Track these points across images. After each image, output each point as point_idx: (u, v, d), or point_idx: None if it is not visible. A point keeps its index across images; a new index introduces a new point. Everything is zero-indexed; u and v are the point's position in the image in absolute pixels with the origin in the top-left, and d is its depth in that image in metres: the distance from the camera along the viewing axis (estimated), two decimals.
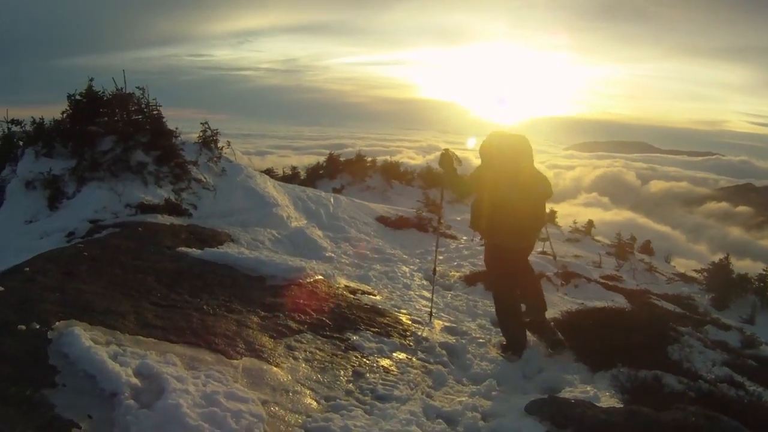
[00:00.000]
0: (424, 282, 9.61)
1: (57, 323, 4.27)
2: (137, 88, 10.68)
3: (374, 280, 8.77)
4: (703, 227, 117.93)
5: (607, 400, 5.12)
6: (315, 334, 5.33)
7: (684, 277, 18.17)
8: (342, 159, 26.08)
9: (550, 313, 7.38)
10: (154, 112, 10.68)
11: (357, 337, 5.47)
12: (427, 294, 8.47)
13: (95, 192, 8.78)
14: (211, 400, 3.79)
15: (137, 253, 6.54)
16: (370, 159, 25.98)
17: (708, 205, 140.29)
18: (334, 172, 25.19)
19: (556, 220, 25.30)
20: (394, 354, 5.52)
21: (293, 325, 5.39)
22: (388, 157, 27.63)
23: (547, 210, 24.06)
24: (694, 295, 14.65)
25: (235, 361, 4.49)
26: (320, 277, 6.93)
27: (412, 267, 10.54)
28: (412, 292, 8.52)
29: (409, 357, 5.56)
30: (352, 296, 6.88)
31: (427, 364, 5.55)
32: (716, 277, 15.08)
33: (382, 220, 14.06)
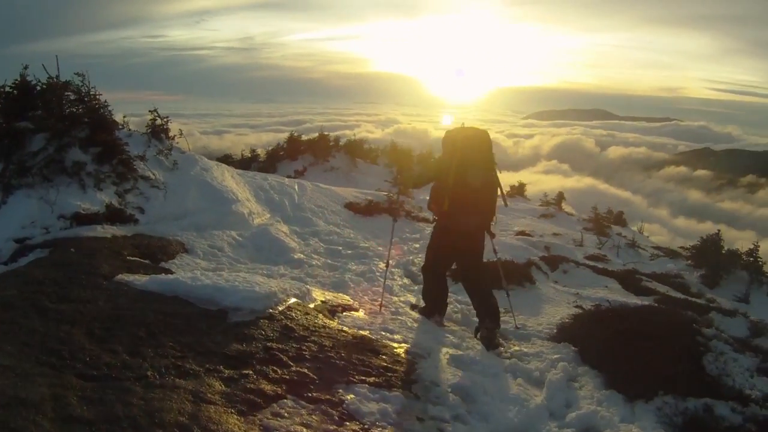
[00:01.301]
0: (406, 281, 8.69)
1: None
2: (75, 74, 9.26)
3: (352, 285, 7.70)
4: (662, 191, 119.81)
5: None
6: (297, 399, 3.85)
7: (668, 252, 17.54)
8: (303, 138, 24.92)
9: (557, 315, 7.72)
10: (95, 102, 9.23)
11: (351, 396, 3.93)
12: (412, 299, 7.63)
13: (23, 203, 7.34)
14: None
15: (65, 290, 5.09)
16: (333, 137, 24.82)
17: (667, 170, 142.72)
18: (296, 153, 24.14)
19: (525, 192, 24.63)
20: (402, 416, 4.05)
21: (267, 387, 3.88)
22: (351, 135, 26.59)
23: (516, 183, 23.56)
24: (683, 273, 13.92)
25: None
26: (294, 300, 5.63)
27: (390, 261, 9.60)
28: (396, 299, 7.48)
29: (421, 417, 4.10)
30: (334, 325, 5.39)
31: (443, 424, 4.12)
32: (705, 253, 14.35)
33: (351, 206, 13.08)
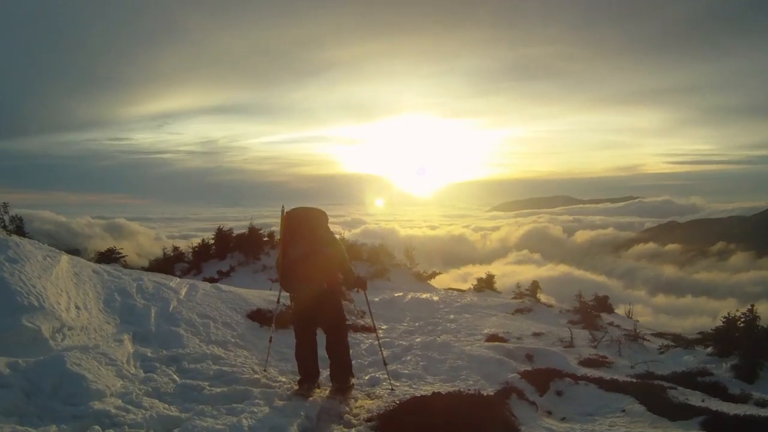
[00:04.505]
0: None
1: None
2: None
3: None
4: (636, 270, 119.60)
5: None
6: None
7: (677, 339, 13.99)
8: (234, 234, 21.41)
9: None
10: None
11: None
12: None
13: None
14: None
15: None
16: (266, 233, 21.32)
17: (636, 248, 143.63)
18: (224, 251, 20.59)
19: (495, 285, 21.35)
20: None
21: None
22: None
23: (483, 275, 20.17)
24: (708, 368, 10.37)
25: None
26: None
27: (284, 404, 6.15)
28: None
29: None
30: None
31: None
32: (732, 338, 10.83)
33: (256, 316, 9.78)
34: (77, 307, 7.32)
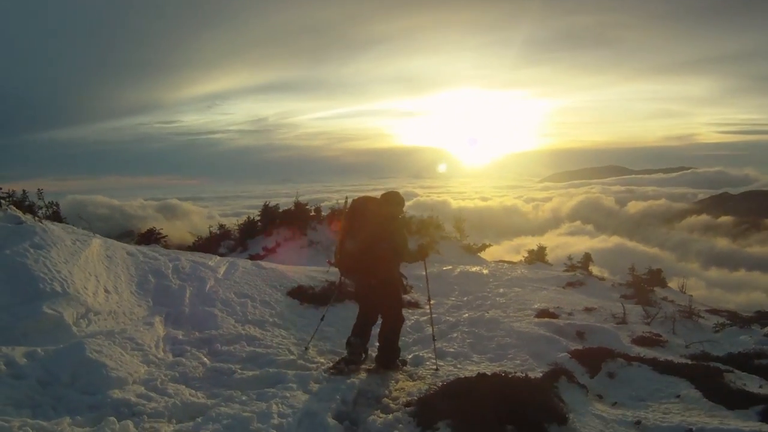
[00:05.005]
0: None
1: None
2: None
3: None
4: (688, 242, 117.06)
5: None
6: None
7: (732, 317, 13.36)
8: (280, 210, 21.15)
9: None
10: None
11: None
12: None
13: None
14: None
15: None
16: (313, 208, 21.03)
17: (689, 220, 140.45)
18: (271, 228, 20.33)
19: (546, 257, 20.73)
20: None
21: None
22: (335, 203, 22.77)
23: (535, 247, 19.70)
24: (766, 349, 9.81)
25: None
26: None
27: (319, 388, 5.86)
28: None
29: None
30: None
31: None
32: None
33: (297, 293, 9.54)
34: (107, 291, 7.17)
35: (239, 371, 6.07)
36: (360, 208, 6.99)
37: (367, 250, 6.81)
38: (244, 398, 5.37)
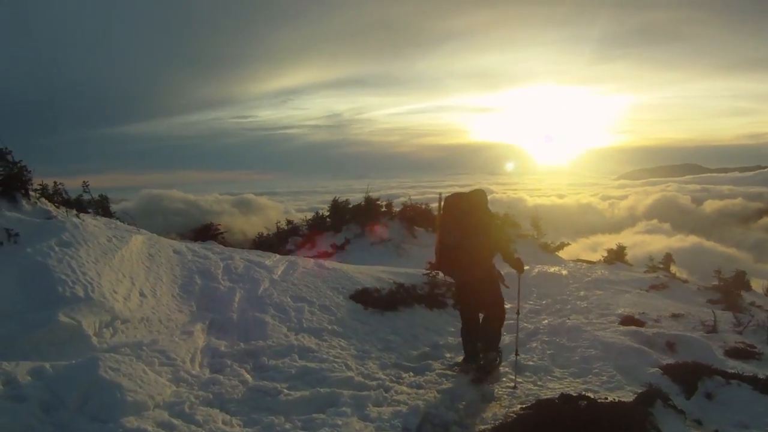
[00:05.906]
0: None
1: None
2: None
3: None
4: (765, 242, 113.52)
5: None
6: None
7: None
8: (350, 206, 20.43)
9: None
10: None
11: None
12: None
13: None
14: None
15: None
16: (385, 203, 20.21)
17: (766, 219, 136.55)
18: (340, 224, 19.62)
19: (626, 257, 19.43)
20: None
21: None
22: (407, 198, 21.92)
23: (614, 246, 18.52)
24: None
25: None
26: None
27: (378, 412, 5.04)
28: None
29: None
30: None
31: None
32: None
33: (361, 297, 8.64)
34: (142, 294, 6.43)
35: (285, 391, 5.22)
36: (454, 203, 7.07)
37: (463, 245, 6.87)
38: (287, 426, 4.54)
